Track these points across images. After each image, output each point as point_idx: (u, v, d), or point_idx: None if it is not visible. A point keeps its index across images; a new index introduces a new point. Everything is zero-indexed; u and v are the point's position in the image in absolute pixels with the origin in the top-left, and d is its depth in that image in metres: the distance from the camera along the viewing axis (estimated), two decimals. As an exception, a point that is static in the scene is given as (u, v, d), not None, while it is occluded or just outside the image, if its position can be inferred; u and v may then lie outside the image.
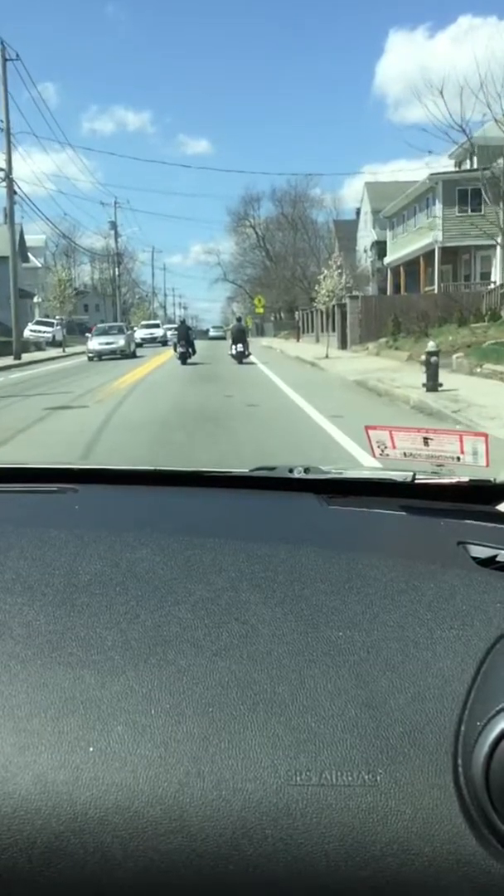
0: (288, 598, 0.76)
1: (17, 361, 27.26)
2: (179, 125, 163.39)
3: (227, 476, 1.28)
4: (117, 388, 15.11)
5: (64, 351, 36.06)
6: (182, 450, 7.02)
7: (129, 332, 32.44)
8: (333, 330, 28.12)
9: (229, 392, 13.40)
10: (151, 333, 48.20)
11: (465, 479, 1.07)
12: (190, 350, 23.48)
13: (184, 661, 0.68)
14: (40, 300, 53.94)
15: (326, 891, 0.58)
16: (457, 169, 34.79)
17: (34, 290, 56.04)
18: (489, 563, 0.86)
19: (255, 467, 1.27)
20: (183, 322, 28.52)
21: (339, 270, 25.44)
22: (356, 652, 0.68)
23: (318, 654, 0.68)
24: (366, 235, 50.70)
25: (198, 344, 26.86)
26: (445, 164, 35.52)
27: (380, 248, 44.67)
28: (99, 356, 28.25)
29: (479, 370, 13.66)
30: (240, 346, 23.32)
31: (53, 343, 41.41)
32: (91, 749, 0.62)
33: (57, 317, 44.81)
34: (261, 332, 62.49)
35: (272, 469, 1.26)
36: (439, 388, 11.13)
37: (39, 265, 61.17)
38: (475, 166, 32.86)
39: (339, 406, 10.33)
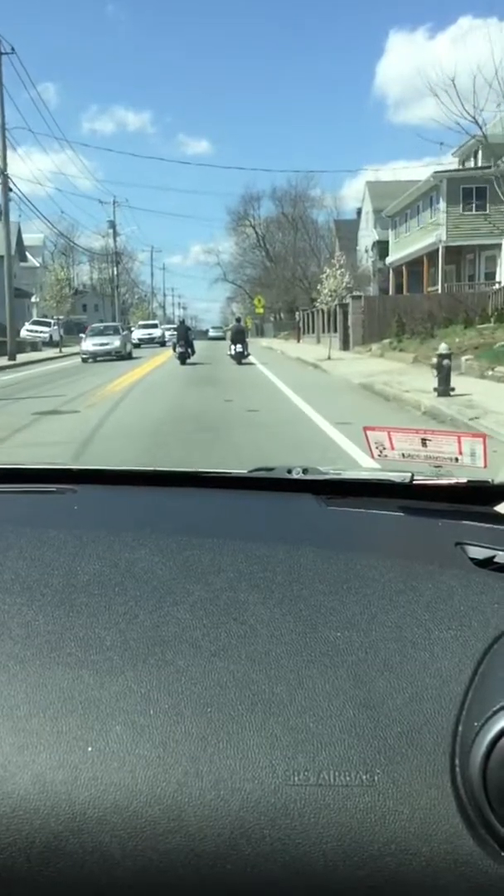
0: (286, 598, 0.76)
1: (11, 362, 26.60)
2: (180, 125, 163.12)
3: (226, 477, 1.27)
4: (111, 392, 14.46)
5: (61, 351, 35.36)
6: (178, 465, 6.22)
7: (124, 333, 31.36)
8: (335, 331, 27.51)
9: (229, 396, 12.75)
10: (149, 334, 47.20)
11: (464, 480, 1.07)
12: (189, 350, 23.55)
13: (182, 661, 0.68)
14: (38, 300, 53.23)
15: (324, 890, 0.58)
16: (461, 167, 34.22)
17: (32, 290, 55.45)
18: (487, 563, 0.86)
19: (253, 468, 1.27)
20: (182, 322, 28.47)
21: (342, 270, 24.76)
22: (354, 652, 0.68)
23: (317, 654, 0.68)
24: (367, 235, 50.17)
25: (197, 344, 26.86)
26: (448, 163, 34.95)
27: (381, 247, 44.14)
28: (94, 357, 27.45)
29: (490, 373, 13.04)
30: (239, 347, 23.32)
31: (50, 343, 40.75)
32: (90, 749, 0.62)
33: (55, 317, 44.10)
34: (260, 333, 62.01)
35: (271, 470, 1.26)
36: (451, 393, 10.51)
37: (37, 265, 60.51)
38: (479, 164, 32.33)
39: (346, 412, 9.69)
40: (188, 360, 23.11)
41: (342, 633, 0.71)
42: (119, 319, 56.41)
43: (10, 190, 29.06)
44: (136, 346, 39.96)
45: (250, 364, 22.75)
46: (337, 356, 22.59)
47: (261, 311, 56.99)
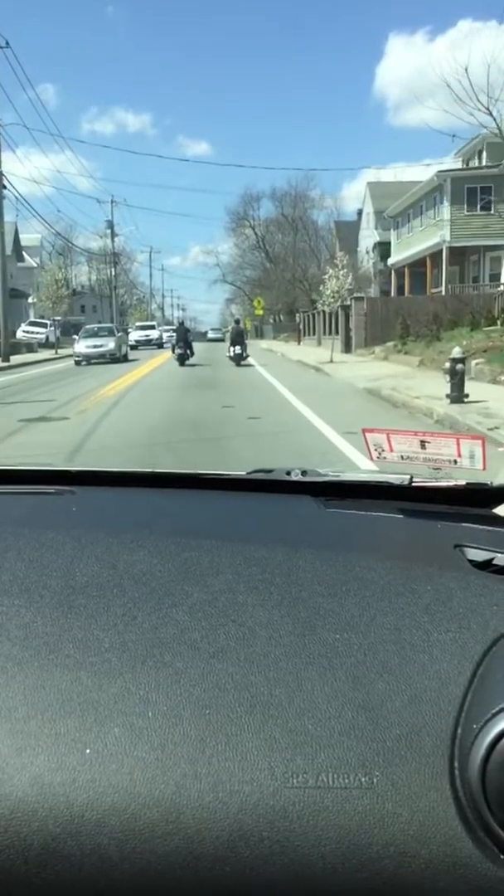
0: (285, 600, 0.75)
1: (4, 364, 25.96)
2: (179, 127, 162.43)
3: (225, 478, 1.27)
4: (105, 396, 13.79)
5: (56, 353, 34.58)
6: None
7: (119, 334, 29.97)
8: (336, 333, 26.88)
9: (228, 401, 12.09)
10: (146, 335, 45.69)
11: (462, 482, 1.08)
12: (188, 351, 23.66)
13: (181, 663, 0.68)
14: (35, 300, 52.53)
15: (323, 893, 0.58)
16: (465, 166, 33.64)
17: (29, 291, 54.77)
18: (486, 566, 0.86)
19: (252, 469, 1.27)
20: (181, 324, 28.19)
21: (345, 270, 24.12)
22: (353, 654, 0.68)
23: (315, 656, 0.68)
24: (368, 236, 49.62)
25: (196, 346, 26.72)
26: (449, 164, 34.36)
27: (382, 249, 43.60)
28: (87, 360, 26.36)
29: (503, 378, 12.41)
30: (238, 348, 23.47)
31: (47, 345, 39.98)
32: (88, 751, 0.62)
33: (53, 317, 43.35)
34: (260, 335, 61.48)
35: (269, 471, 1.25)
36: (465, 400, 9.87)
37: (35, 265, 59.82)
38: (484, 163, 31.76)
39: (352, 419, 9.03)
40: (187, 362, 23.18)
41: (341, 635, 0.70)
42: (117, 321, 55.79)
43: (5, 188, 28.43)
44: (133, 347, 39.18)
45: (249, 366, 22.55)
46: (339, 359, 21.99)
47: (260, 312, 56.31)
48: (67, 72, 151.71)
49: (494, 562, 0.87)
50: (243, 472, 1.27)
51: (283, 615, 0.73)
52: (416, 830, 0.58)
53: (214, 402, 12.09)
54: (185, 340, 23.75)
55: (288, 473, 1.21)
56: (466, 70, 16.67)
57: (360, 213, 55.21)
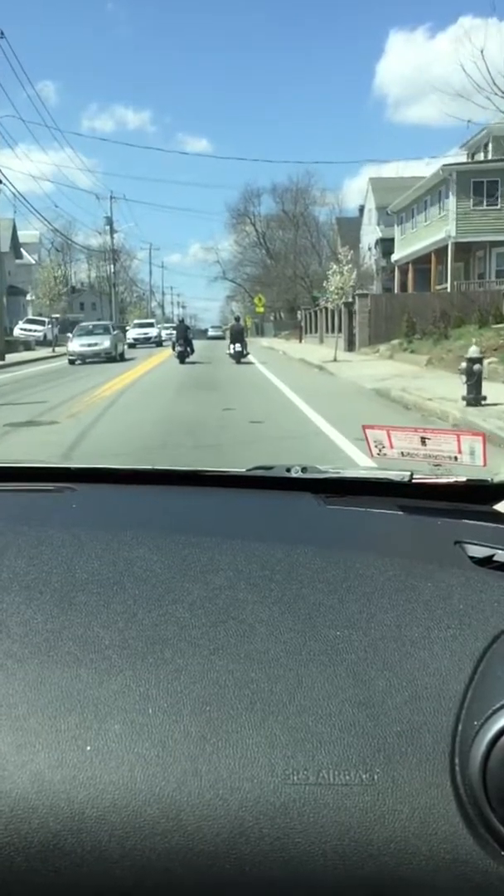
0: (285, 597, 0.75)
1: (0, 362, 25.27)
2: (179, 124, 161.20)
3: (225, 475, 1.26)
4: (99, 397, 13.10)
5: (54, 351, 33.80)
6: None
7: (115, 333, 28.51)
8: (339, 331, 26.19)
9: (229, 403, 11.42)
10: (145, 333, 44.19)
11: (463, 478, 1.08)
12: (188, 349, 23.56)
13: (181, 660, 0.68)
14: (33, 298, 51.79)
15: (324, 890, 0.58)
16: (470, 160, 32.92)
17: (27, 288, 54.07)
18: (486, 562, 0.86)
19: (252, 466, 1.27)
20: (181, 321, 28.23)
21: (350, 266, 23.40)
22: (353, 651, 0.68)
23: (316, 653, 0.68)
24: (370, 232, 48.96)
25: (196, 343, 26.35)
26: (451, 158, 33.67)
27: (385, 245, 42.93)
28: (82, 359, 25.29)
29: (519, 379, 11.74)
30: (238, 346, 23.34)
31: (44, 343, 39.27)
32: (88, 748, 0.62)
33: (51, 315, 42.60)
34: (260, 332, 60.84)
35: (270, 468, 1.25)
36: (483, 402, 9.21)
37: (33, 262, 59.12)
38: (490, 157, 31.07)
39: (362, 423, 8.34)
40: (187, 359, 23.06)
41: (341, 632, 0.70)
42: (117, 318, 55.01)
43: (0, 182, 27.73)
44: (132, 346, 38.36)
45: (250, 363, 22.30)
46: (343, 357, 21.33)
47: (261, 310, 55.72)
48: (67, 69, 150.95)
49: (495, 558, 0.86)
50: (243, 469, 1.27)
51: (284, 612, 0.73)
52: (417, 827, 0.58)
53: (214, 404, 11.40)
54: (185, 338, 23.66)
55: (288, 470, 1.20)
56: (482, 52, 15.92)
57: (361, 209, 54.62)
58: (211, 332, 62.96)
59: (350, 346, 25.41)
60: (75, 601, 0.75)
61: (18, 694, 0.65)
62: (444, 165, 30.32)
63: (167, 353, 26.70)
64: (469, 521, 1.00)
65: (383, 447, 1.11)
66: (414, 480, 1.09)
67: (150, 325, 47.82)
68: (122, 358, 26.69)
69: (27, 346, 37.05)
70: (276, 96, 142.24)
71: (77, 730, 0.62)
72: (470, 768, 0.59)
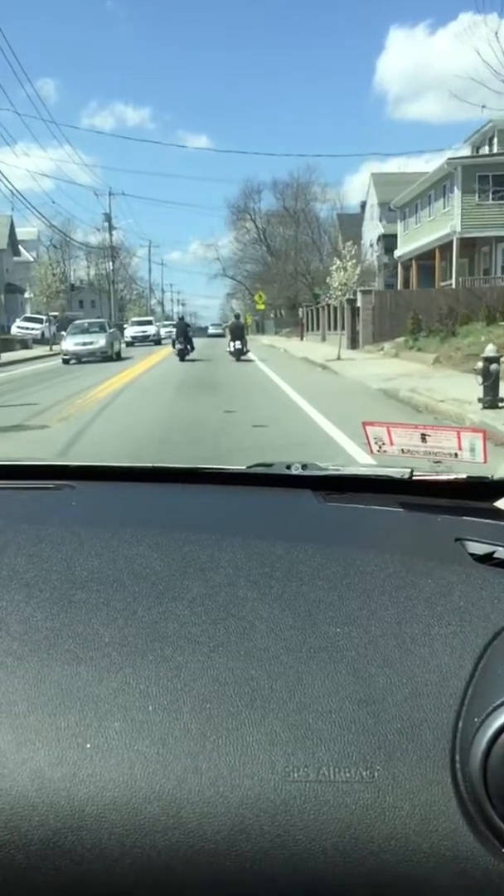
0: (285, 594, 0.75)
1: (-6, 361, 24.67)
2: (179, 122, 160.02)
3: (225, 473, 1.26)
4: (93, 399, 12.50)
5: (51, 349, 33.12)
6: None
7: (111, 331, 26.83)
8: (342, 328, 25.58)
9: (231, 405, 10.83)
10: (143, 331, 42.55)
11: (463, 475, 1.08)
12: (188, 347, 23.44)
13: (181, 657, 0.68)
14: (32, 296, 51.16)
15: (324, 886, 0.59)
16: (475, 153, 32.29)
17: (25, 286, 53.45)
18: (486, 559, 0.86)
19: (252, 464, 1.27)
20: (181, 319, 27.30)
21: (354, 261, 22.75)
22: (354, 648, 0.68)
23: (316, 650, 0.68)
24: (372, 229, 48.34)
25: (196, 341, 25.94)
26: (452, 153, 33.07)
27: (387, 241, 42.31)
28: (77, 359, 24.18)
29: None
30: (238, 343, 23.16)
31: (42, 341, 38.65)
32: (88, 745, 0.62)
33: (48, 313, 41.94)
34: (261, 330, 60.27)
35: (270, 466, 1.25)
36: (500, 405, 8.64)
37: (31, 259, 58.49)
38: (496, 150, 30.44)
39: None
40: (187, 357, 22.96)
41: (341, 629, 0.70)
42: (116, 316, 54.32)
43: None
44: (130, 344, 37.57)
45: (250, 361, 22.03)
46: (346, 356, 20.74)
47: (262, 307, 55.03)
48: (66, 66, 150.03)
49: (495, 555, 0.86)
50: (243, 467, 1.26)
51: (284, 609, 0.73)
52: (418, 824, 0.58)
53: (215, 406, 10.80)
54: (185, 336, 23.48)
55: (288, 468, 1.20)
56: (497, 34, 15.25)
57: (363, 205, 54.01)
58: (211, 330, 62.31)
59: (353, 344, 24.83)
60: (75, 599, 0.74)
61: (18, 691, 0.65)
62: (450, 159, 29.66)
63: (166, 352, 26.14)
64: (469, 517, 1.00)
65: (383, 444, 1.12)
66: (414, 477, 1.08)
67: (149, 322, 46.49)
68: (118, 357, 25.68)
69: (24, 344, 36.49)
70: (276, 93, 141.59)
71: (77, 727, 0.62)
72: (471, 765, 0.59)
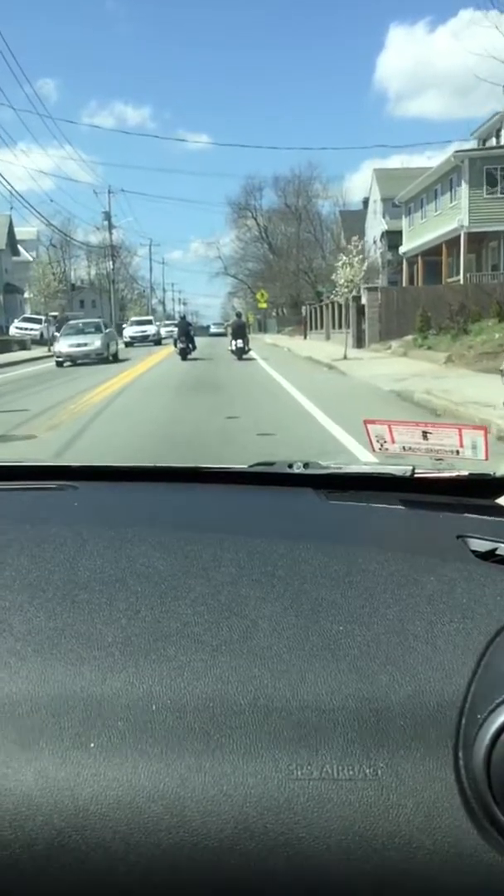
0: (288, 592, 0.75)
1: (-10, 363, 23.92)
2: (179, 121, 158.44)
3: (227, 472, 1.26)
4: (88, 404, 11.78)
5: (49, 350, 32.37)
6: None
7: (107, 331, 25.37)
8: (347, 326, 24.83)
9: (233, 410, 10.11)
10: (142, 331, 41.02)
11: (465, 472, 1.07)
12: (190, 346, 23.32)
13: (184, 656, 0.68)
14: (31, 296, 50.46)
15: (328, 884, 0.59)
16: (482, 146, 31.51)
17: (24, 286, 52.77)
18: (489, 556, 0.86)
19: (254, 462, 1.27)
20: (183, 318, 26.96)
21: (360, 256, 21.95)
22: (356, 646, 0.68)
23: (319, 648, 0.68)
24: (375, 225, 47.61)
25: (198, 341, 25.49)
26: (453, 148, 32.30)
27: (391, 238, 41.57)
28: (72, 360, 22.87)
29: None
30: (239, 342, 23.04)
31: (41, 342, 37.91)
32: (92, 745, 0.62)
33: (48, 313, 41.17)
34: (263, 329, 59.57)
35: (271, 464, 1.25)
36: (529, 409, 7.92)
37: (31, 259, 57.78)
38: (503, 143, 29.66)
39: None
40: (189, 356, 22.89)
41: (344, 627, 0.70)
42: (116, 316, 53.55)
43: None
44: (129, 344, 36.71)
45: (252, 359, 21.86)
46: (353, 355, 20.00)
47: (264, 305, 54.21)
48: (66, 66, 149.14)
49: (497, 552, 0.86)
50: (245, 465, 1.25)
51: (286, 608, 0.73)
52: (421, 821, 0.58)
53: (217, 411, 10.08)
54: (187, 335, 23.32)
55: (290, 466, 1.19)
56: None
57: (365, 201, 53.31)
58: (213, 329, 61.65)
59: (359, 342, 24.10)
60: (78, 599, 0.74)
61: (22, 692, 0.65)
62: (457, 152, 28.89)
63: (166, 352, 25.50)
64: (471, 515, 1.00)
65: (385, 442, 1.11)
66: (416, 475, 1.08)
67: (148, 322, 45.11)
68: (115, 359, 24.41)
69: (23, 345, 35.76)
70: (276, 92, 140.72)
71: (80, 727, 0.62)
72: (474, 762, 0.59)
